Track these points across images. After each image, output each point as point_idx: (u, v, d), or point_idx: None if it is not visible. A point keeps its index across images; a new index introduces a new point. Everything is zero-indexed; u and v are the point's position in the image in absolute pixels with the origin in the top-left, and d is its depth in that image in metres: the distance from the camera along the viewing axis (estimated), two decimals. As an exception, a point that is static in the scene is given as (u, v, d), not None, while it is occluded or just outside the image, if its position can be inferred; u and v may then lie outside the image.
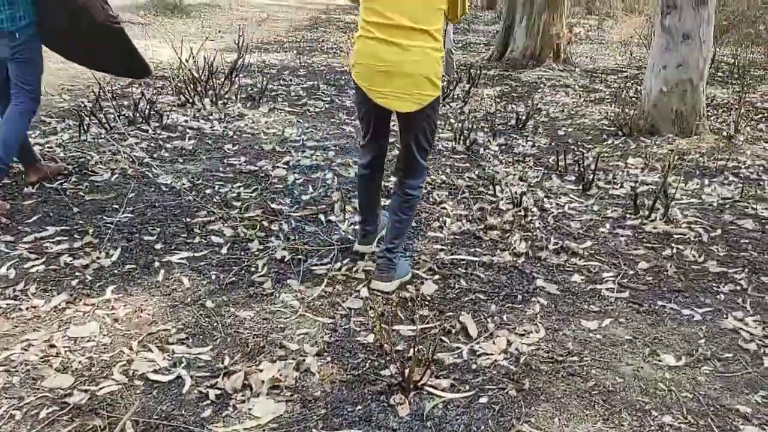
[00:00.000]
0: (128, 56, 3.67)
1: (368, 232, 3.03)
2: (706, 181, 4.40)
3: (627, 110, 5.96)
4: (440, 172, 4.21)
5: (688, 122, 5.43)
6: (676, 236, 3.43)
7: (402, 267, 2.79)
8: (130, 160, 4.06)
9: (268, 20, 14.85)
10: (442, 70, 2.63)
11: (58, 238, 2.97)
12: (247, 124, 5.17)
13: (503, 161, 4.62)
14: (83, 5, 3.30)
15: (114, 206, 3.37)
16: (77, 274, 2.66)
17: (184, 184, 3.74)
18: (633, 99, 7.35)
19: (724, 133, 5.71)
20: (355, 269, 2.85)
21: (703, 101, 5.50)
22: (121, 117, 4.94)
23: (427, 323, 2.45)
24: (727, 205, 3.94)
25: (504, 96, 7.16)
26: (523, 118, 5.61)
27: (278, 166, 4.17)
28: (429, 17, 2.50)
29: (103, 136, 4.49)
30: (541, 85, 7.97)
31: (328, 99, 6.36)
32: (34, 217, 3.18)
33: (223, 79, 5.95)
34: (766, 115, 6.74)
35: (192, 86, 5.65)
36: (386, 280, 2.69)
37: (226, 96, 5.84)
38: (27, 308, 2.38)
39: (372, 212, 2.99)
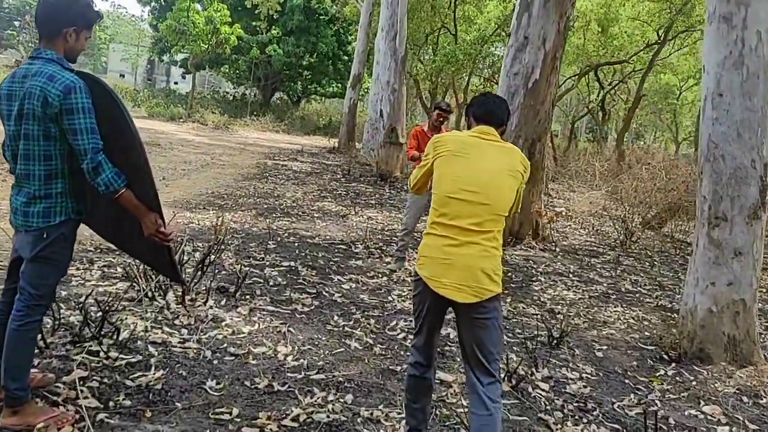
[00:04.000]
0: (165, 266, 3.19)
1: None
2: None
3: (669, 328, 5.20)
4: (504, 440, 3.18)
5: (742, 350, 4.70)
6: None
7: None
8: (78, 416, 2.82)
9: (212, 165, 13.98)
10: (501, 267, 2.76)
11: None
12: (226, 337, 4.02)
13: (565, 411, 3.64)
14: (136, 218, 2.81)
15: None
16: None
17: (160, 472, 2.54)
18: (636, 297, 6.71)
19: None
20: None
21: (756, 324, 4.83)
22: (61, 328, 3.70)
23: None
24: None
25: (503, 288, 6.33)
26: (556, 336, 4.71)
27: (286, 426, 3.03)
28: (493, 223, 2.72)
29: (36, 363, 3.23)
30: (533, 272, 7.25)
31: (314, 291, 5.31)
32: None
33: (193, 272, 4.82)
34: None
35: (152, 277, 4.51)
36: None
37: (194, 287, 4.71)
38: None
39: (425, 419, 2.87)
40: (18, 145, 2.64)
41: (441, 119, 6.42)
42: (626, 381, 4.27)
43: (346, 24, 31.04)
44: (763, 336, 5.66)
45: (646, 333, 5.38)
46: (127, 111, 2.81)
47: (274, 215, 8.67)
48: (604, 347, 4.89)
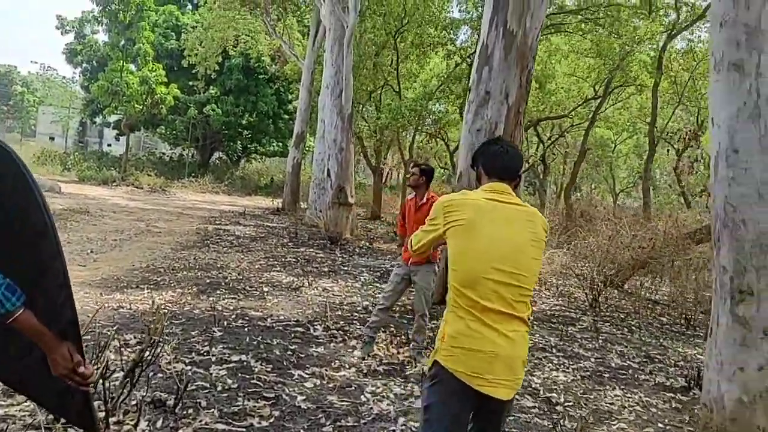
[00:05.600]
0: (73, 410, 2.27)
1: None
2: None
3: (680, 414, 4.50)
4: None
5: (782, 446, 4.03)
6: None
7: None
8: None
9: (147, 233, 12.87)
10: None
11: None
12: (163, 479, 3.07)
13: None
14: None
15: None
16: None
17: None
18: (629, 375, 6.04)
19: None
20: None
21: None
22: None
23: None
24: None
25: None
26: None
27: None
28: (525, 305, 2.50)
29: None
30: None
31: (272, 394, 4.38)
32: None
33: (121, 382, 3.84)
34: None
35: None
36: None
37: (123, 402, 3.73)
38: None
39: None
40: None
41: (414, 181, 5.71)
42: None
43: (286, 83, 30.60)
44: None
45: (660, 425, 4.67)
46: (38, 186, 1.92)
47: (218, 292, 7.69)
48: (622, 449, 4.14)
